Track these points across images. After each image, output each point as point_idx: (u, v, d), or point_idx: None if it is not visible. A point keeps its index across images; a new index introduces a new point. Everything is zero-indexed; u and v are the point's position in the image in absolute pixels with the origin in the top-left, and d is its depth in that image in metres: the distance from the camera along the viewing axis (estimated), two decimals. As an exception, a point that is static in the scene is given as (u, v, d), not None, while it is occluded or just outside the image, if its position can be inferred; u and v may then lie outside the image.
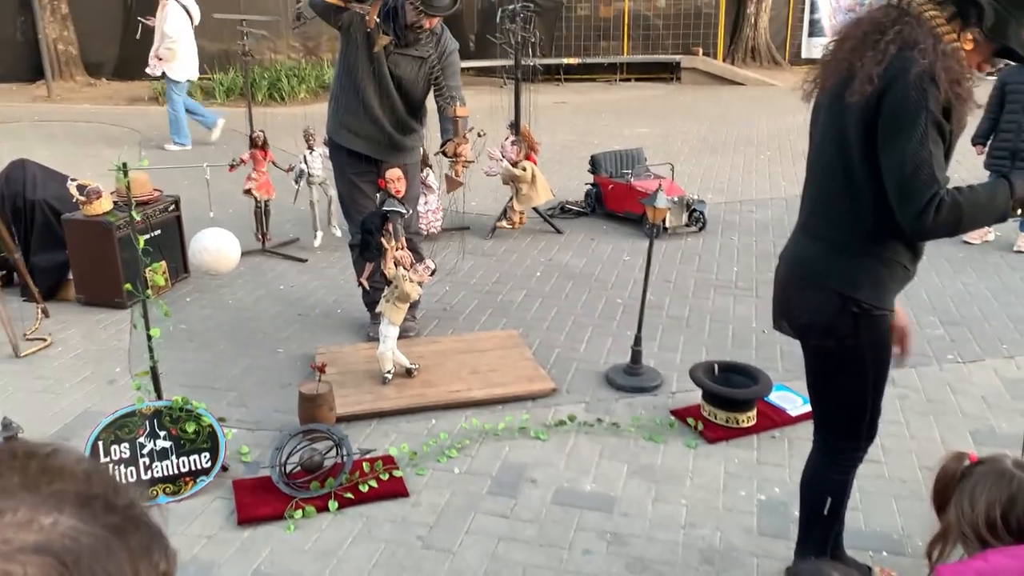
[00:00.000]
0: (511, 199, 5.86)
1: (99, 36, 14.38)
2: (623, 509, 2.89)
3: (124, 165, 2.98)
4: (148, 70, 8.77)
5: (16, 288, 4.63)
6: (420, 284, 3.69)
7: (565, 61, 14.06)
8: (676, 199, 5.67)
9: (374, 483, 2.96)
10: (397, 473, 3.03)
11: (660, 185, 3.97)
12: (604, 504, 2.91)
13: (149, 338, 3.01)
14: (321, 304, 4.71)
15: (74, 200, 4.51)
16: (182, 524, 2.78)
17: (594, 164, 6.41)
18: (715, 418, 3.36)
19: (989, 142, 5.51)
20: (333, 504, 2.86)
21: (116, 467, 2.93)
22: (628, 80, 14.50)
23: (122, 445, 2.96)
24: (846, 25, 2.09)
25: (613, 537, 2.74)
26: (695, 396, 3.52)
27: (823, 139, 2.10)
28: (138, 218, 3.07)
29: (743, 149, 8.84)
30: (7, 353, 4.02)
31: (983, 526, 1.39)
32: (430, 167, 5.55)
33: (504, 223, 5.90)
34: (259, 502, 2.87)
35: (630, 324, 4.16)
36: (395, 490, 2.96)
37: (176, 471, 2.97)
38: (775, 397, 3.51)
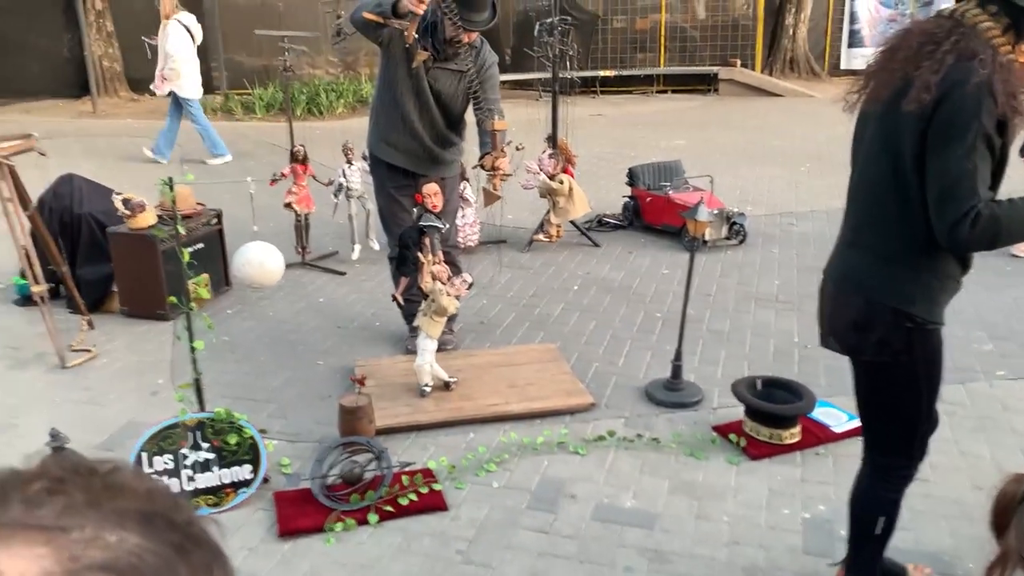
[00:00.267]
0: (548, 212, 5.85)
1: (142, 53, 14.66)
2: (664, 526, 2.85)
3: (170, 180, 3.02)
4: (153, 88, 8.88)
5: (62, 300, 4.72)
6: (458, 298, 3.69)
7: (601, 73, 14.05)
8: (716, 212, 5.62)
9: (413, 496, 2.96)
10: (436, 487, 3.02)
11: (701, 198, 3.93)
12: (645, 521, 2.88)
13: (193, 350, 3.04)
14: (360, 317, 4.74)
15: (119, 214, 4.59)
16: (224, 536, 2.79)
17: (632, 176, 6.38)
18: (758, 434, 3.31)
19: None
20: (373, 517, 2.86)
21: (160, 478, 2.96)
22: (664, 92, 14.45)
23: (165, 456, 2.99)
24: (895, 37, 2.07)
25: (654, 554, 2.71)
26: (737, 412, 3.47)
27: (873, 150, 2.07)
28: (182, 232, 3.11)
29: (782, 161, 8.75)
30: (54, 364, 4.10)
31: None
32: (467, 180, 5.57)
33: (541, 236, 5.90)
34: (300, 514, 2.88)
35: (669, 338, 4.12)
36: (434, 504, 2.95)
37: (218, 483, 2.99)
38: (819, 413, 3.45)
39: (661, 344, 4.25)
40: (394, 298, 3.98)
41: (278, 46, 5.87)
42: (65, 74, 13.76)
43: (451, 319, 4.05)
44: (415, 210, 3.79)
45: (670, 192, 6.02)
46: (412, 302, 3.98)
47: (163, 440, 3.00)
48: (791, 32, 14.85)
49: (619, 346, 4.28)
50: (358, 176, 5.50)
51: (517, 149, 4.45)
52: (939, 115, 1.86)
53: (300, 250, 5.53)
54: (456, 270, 4.02)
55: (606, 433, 3.38)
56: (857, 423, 2.58)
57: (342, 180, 5.61)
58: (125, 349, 4.32)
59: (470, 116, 4.04)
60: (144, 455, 2.97)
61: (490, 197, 4.02)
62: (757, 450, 3.27)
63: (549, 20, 5.92)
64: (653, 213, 6.14)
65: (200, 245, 4.76)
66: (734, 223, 5.81)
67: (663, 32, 14.61)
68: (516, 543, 2.77)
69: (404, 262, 3.77)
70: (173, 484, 2.96)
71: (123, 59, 14.58)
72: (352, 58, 14.07)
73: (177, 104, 8.77)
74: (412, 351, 4.15)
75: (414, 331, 4.25)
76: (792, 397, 3.37)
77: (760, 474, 3.15)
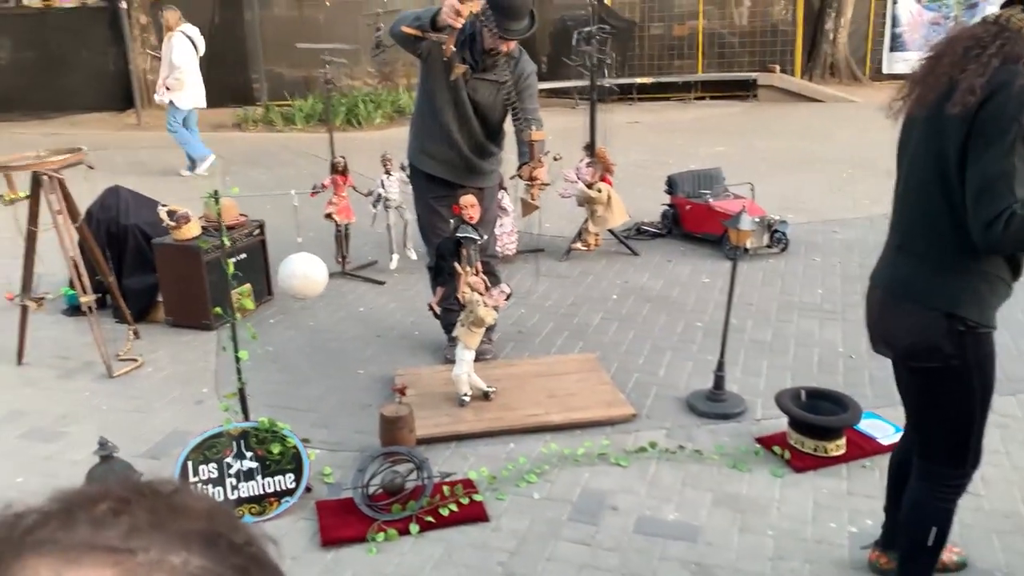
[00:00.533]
0: (586, 221, 5.84)
1: (186, 66, 14.94)
2: (708, 539, 2.82)
3: (215, 192, 3.07)
4: (157, 98, 9.09)
5: (109, 310, 4.81)
6: (496, 308, 3.69)
7: (639, 80, 14.00)
8: (757, 219, 5.56)
9: (454, 507, 2.95)
10: (477, 497, 3.02)
11: (743, 206, 3.89)
12: (688, 534, 2.85)
13: (238, 360, 3.08)
14: (399, 326, 4.76)
15: (164, 225, 4.67)
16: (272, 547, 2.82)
17: (671, 184, 6.34)
18: (802, 446, 3.26)
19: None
20: (414, 527, 2.87)
21: (204, 487, 2.99)
22: (703, 99, 14.35)
23: (210, 465, 3.03)
24: (940, 43, 2.08)
25: (698, 568, 2.68)
26: (780, 423, 3.42)
27: (919, 155, 2.07)
28: (227, 243, 3.15)
29: (824, 167, 8.64)
30: (101, 373, 4.17)
31: None
32: (505, 190, 5.58)
33: (579, 245, 5.88)
34: (342, 524, 2.90)
35: (710, 348, 4.08)
36: (475, 514, 2.95)
37: (261, 491, 3.02)
38: (865, 425, 3.39)
39: (702, 354, 4.21)
40: (431, 308, 3.99)
41: (318, 58, 5.94)
42: (110, 88, 14.07)
43: (490, 329, 4.05)
44: (452, 221, 3.80)
45: (710, 200, 5.97)
46: (450, 312, 4.00)
47: (208, 449, 3.04)
48: (831, 37, 14.68)
49: (659, 356, 4.25)
50: (396, 187, 5.54)
51: (555, 159, 4.45)
52: (981, 116, 1.88)
53: (340, 260, 5.58)
54: (495, 280, 4.02)
55: (647, 444, 3.35)
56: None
57: (380, 191, 5.65)
58: (170, 358, 4.39)
59: (509, 126, 4.05)
60: (189, 464, 3.01)
61: (528, 207, 4.02)
62: (801, 462, 3.22)
63: (587, 29, 5.92)
64: (693, 221, 6.10)
65: (243, 256, 4.82)
66: (775, 231, 5.74)
67: (701, 38, 14.53)
68: (557, 555, 2.75)
69: (440, 272, 3.78)
70: (217, 493, 3.00)
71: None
72: (390, 69, 14.19)
73: (177, 113, 8.98)
74: (451, 360, 4.16)
75: (452, 340, 4.26)
76: (837, 408, 3.31)
77: (805, 487, 3.10)
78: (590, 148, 5.92)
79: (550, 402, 3.70)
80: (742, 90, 14.27)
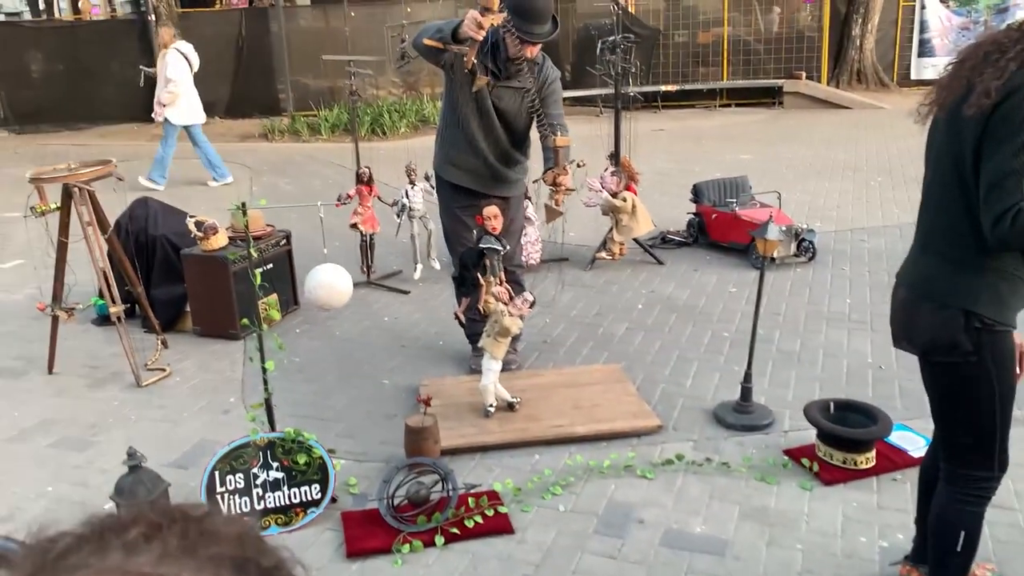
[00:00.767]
0: (611, 230, 5.82)
1: (212, 77, 15.10)
2: (735, 553, 2.79)
3: (243, 204, 3.09)
4: (154, 116, 9.15)
5: (138, 320, 4.86)
6: (521, 317, 3.68)
7: (663, 88, 13.96)
8: (785, 228, 5.51)
9: (479, 519, 2.95)
10: (502, 509, 3.01)
11: (771, 215, 3.86)
12: (715, 547, 2.82)
13: (264, 371, 3.09)
14: (424, 336, 4.77)
15: (192, 236, 4.72)
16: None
17: (697, 193, 6.30)
18: (831, 459, 3.22)
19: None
20: (439, 539, 2.86)
21: (231, 497, 3.01)
22: (728, 106, 14.28)
23: (237, 475, 3.04)
24: (967, 48, 2.13)
25: (726, 583, 2.65)
26: (809, 435, 3.38)
27: (940, 156, 2.14)
28: (255, 255, 3.17)
29: (851, 175, 8.55)
30: (130, 382, 4.22)
31: None
32: (529, 199, 5.58)
33: (604, 254, 5.86)
34: (367, 535, 2.90)
35: (738, 359, 4.05)
36: (500, 527, 2.94)
37: (288, 502, 3.03)
38: (895, 437, 3.34)
39: (729, 365, 4.18)
40: (456, 317, 4.00)
41: (344, 69, 5.98)
42: (140, 99, 14.24)
43: (515, 339, 4.04)
44: (475, 232, 3.80)
45: (737, 208, 5.93)
46: (475, 321, 4.00)
47: (235, 459, 3.05)
48: (858, 43, 14.55)
49: (686, 367, 4.22)
50: (420, 197, 5.56)
51: (579, 166, 4.44)
52: (994, 118, 1.93)
53: (365, 269, 5.60)
54: (520, 288, 4.02)
55: (674, 457, 3.33)
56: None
57: (405, 200, 5.67)
58: (197, 368, 4.42)
59: (534, 134, 4.04)
60: (217, 474, 3.02)
61: (552, 213, 4.01)
62: (830, 475, 3.18)
63: (612, 38, 5.91)
64: (719, 230, 6.05)
65: (269, 266, 4.86)
66: (803, 240, 5.69)
67: (726, 46, 14.46)
68: (583, 568, 2.73)
69: (464, 283, 3.78)
70: (244, 503, 3.01)
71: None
72: (414, 79, 14.27)
73: (171, 129, 9.07)
74: (476, 370, 4.16)
75: (477, 350, 4.26)
76: (867, 421, 3.26)
77: (834, 500, 3.06)
78: (614, 157, 5.91)
79: (575, 413, 3.68)
80: (768, 97, 14.18)
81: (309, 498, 3.05)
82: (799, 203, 7.34)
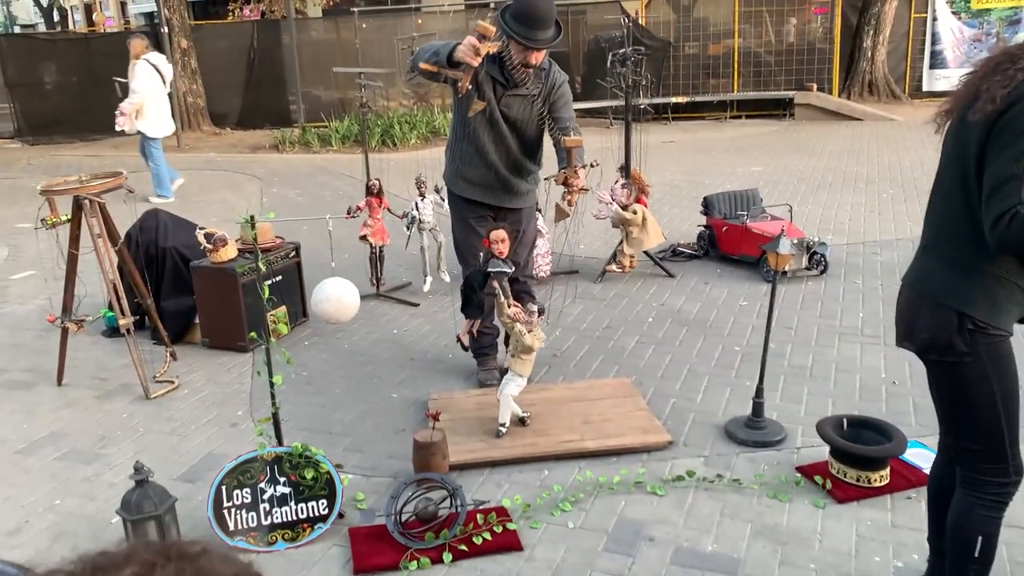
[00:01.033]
0: (621, 242, 5.79)
1: (224, 89, 15.26)
2: (747, 572, 2.75)
3: (252, 217, 3.08)
4: (117, 126, 9.04)
5: (147, 332, 4.86)
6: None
7: (673, 100, 13.96)
8: (796, 241, 5.48)
9: (488, 536, 2.92)
10: (511, 526, 2.98)
11: (782, 228, 3.82)
12: (727, 566, 2.78)
13: (272, 385, 3.08)
14: (433, 349, 4.75)
15: (201, 248, 4.72)
16: (300, 571, 2.81)
17: (707, 205, 6.27)
18: (845, 476, 3.17)
19: None
20: (447, 556, 2.83)
21: (237, 512, 2.99)
22: (738, 118, 14.27)
23: (244, 490, 3.02)
24: (980, 60, 2.17)
25: (738, 603, 2.61)
26: (822, 452, 3.34)
27: (946, 160, 2.18)
28: (263, 268, 3.16)
29: (863, 188, 8.51)
30: (138, 394, 4.21)
31: None
32: (540, 211, 5.56)
33: (614, 267, 5.84)
34: (374, 551, 2.87)
35: (749, 373, 4.01)
36: (509, 544, 2.90)
37: (295, 517, 3.01)
38: (910, 455, 3.29)
39: (740, 380, 4.14)
40: (459, 340, 3.96)
41: (354, 81, 5.99)
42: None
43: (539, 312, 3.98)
44: (482, 254, 3.77)
45: (748, 221, 5.89)
46: (484, 335, 3.95)
47: (242, 474, 3.03)
48: (869, 54, 14.53)
49: (697, 381, 4.18)
50: (430, 209, 5.55)
51: (593, 166, 4.39)
52: (999, 124, 1.97)
53: (374, 281, 5.59)
54: (530, 298, 4.00)
55: (685, 473, 3.29)
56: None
57: (415, 213, 5.66)
58: (206, 380, 4.41)
59: (546, 142, 4.02)
60: (223, 488, 3.00)
61: (560, 213, 3.98)
62: (844, 493, 3.13)
63: (622, 50, 5.90)
64: (730, 243, 6.02)
65: (278, 278, 4.85)
66: (815, 253, 5.65)
67: (736, 57, 14.45)
68: (593, 587, 2.70)
69: (469, 304, 3.75)
70: (251, 518, 2.99)
71: (206, 95, 15.18)
72: (424, 90, 14.31)
73: (149, 142, 9.03)
74: (485, 384, 4.14)
75: (483, 363, 4.24)
76: (881, 438, 3.22)
77: (847, 519, 3.01)
78: (625, 169, 5.89)
79: (585, 428, 3.65)
80: (779, 109, 14.16)
81: (316, 513, 3.02)
82: (811, 216, 7.30)
